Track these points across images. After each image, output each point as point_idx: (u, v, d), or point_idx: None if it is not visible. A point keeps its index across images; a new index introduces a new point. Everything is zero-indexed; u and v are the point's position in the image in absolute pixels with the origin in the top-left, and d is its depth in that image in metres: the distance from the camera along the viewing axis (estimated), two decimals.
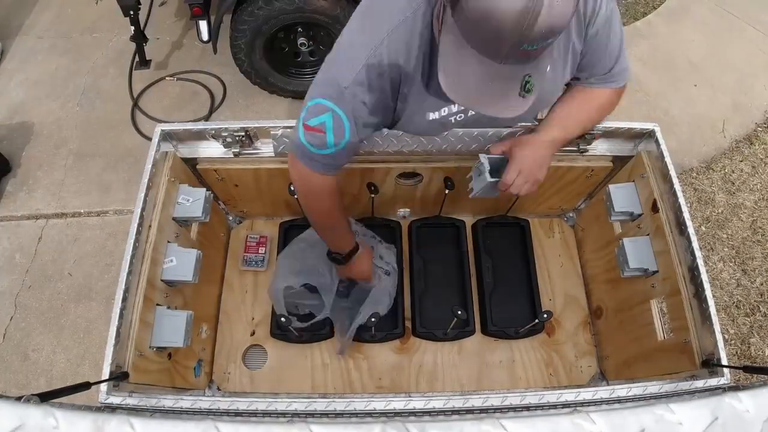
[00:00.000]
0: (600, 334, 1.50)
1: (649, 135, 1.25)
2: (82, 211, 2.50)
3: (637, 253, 1.25)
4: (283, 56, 2.76)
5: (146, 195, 1.10)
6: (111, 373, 0.92)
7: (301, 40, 2.65)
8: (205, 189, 1.28)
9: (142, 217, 1.08)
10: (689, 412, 0.52)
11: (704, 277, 1.04)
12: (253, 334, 1.51)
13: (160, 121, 1.60)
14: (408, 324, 1.51)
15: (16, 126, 2.78)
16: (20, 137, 2.73)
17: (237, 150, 1.26)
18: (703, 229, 2.61)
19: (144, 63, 3.08)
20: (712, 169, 2.79)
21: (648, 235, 1.26)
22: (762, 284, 2.45)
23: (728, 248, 2.55)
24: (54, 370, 2.12)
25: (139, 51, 3.02)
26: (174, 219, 1.22)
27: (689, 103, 3.05)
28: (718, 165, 2.81)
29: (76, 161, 2.66)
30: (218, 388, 1.42)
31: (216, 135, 1.23)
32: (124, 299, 0.99)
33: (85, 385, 0.84)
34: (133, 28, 2.82)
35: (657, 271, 1.22)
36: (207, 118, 2.87)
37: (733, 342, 2.32)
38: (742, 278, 2.46)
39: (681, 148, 2.86)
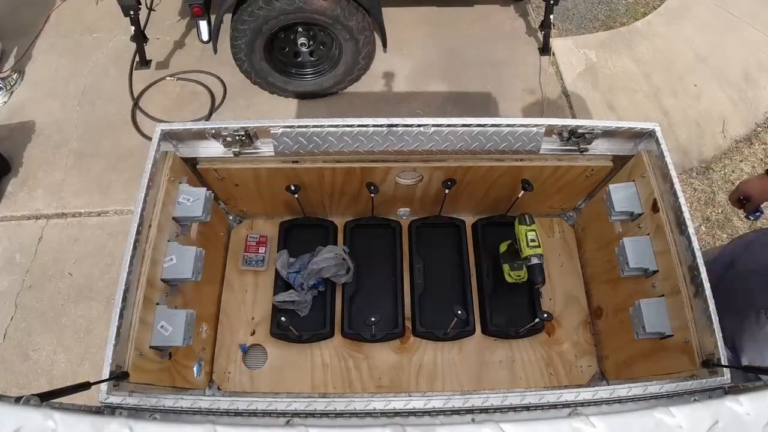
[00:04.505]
0: (600, 334, 1.50)
1: (650, 135, 1.25)
2: (82, 211, 2.51)
3: (637, 252, 1.25)
4: (283, 56, 2.76)
5: (146, 195, 1.10)
6: (111, 372, 0.92)
7: (302, 40, 2.65)
8: (205, 188, 1.28)
9: (142, 216, 1.08)
10: (689, 415, 0.52)
11: (704, 276, 1.04)
12: (253, 333, 1.51)
13: (161, 121, 1.60)
14: (408, 324, 1.50)
15: (17, 126, 2.78)
16: (21, 137, 2.73)
17: (237, 149, 1.26)
18: (703, 229, 2.61)
19: (144, 63, 3.08)
20: (712, 169, 2.79)
21: (648, 234, 1.26)
22: None
23: None
24: (54, 370, 2.12)
25: (140, 51, 3.02)
26: (174, 218, 1.22)
27: (689, 103, 3.05)
28: (718, 165, 2.81)
29: (77, 161, 2.66)
30: (218, 388, 1.42)
31: (216, 135, 1.23)
32: (124, 299, 0.99)
33: (86, 385, 0.84)
34: (133, 28, 2.81)
35: (657, 271, 1.22)
36: (207, 118, 2.86)
37: None
38: None
39: (681, 148, 2.85)
